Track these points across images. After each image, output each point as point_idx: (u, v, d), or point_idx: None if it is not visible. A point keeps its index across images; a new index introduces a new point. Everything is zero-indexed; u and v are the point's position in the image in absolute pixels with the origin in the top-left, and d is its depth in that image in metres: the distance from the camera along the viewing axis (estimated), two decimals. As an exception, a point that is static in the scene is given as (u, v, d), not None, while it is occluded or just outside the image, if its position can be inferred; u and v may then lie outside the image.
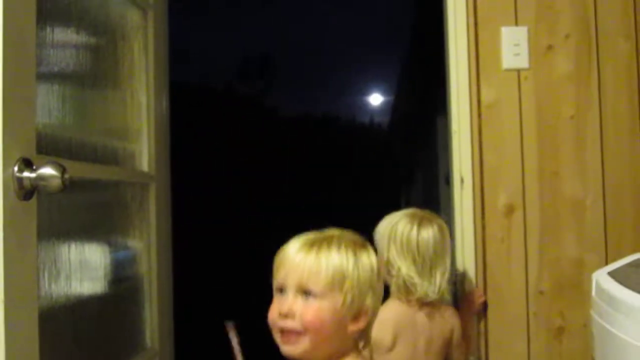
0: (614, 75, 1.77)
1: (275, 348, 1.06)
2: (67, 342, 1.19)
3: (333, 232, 1.09)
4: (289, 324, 1.00)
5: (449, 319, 1.59)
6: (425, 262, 1.52)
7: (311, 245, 1.04)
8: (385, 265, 1.54)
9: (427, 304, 1.53)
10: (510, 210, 1.76)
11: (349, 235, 1.08)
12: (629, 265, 1.14)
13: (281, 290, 1.04)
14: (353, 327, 1.02)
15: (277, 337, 1.03)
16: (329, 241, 1.05)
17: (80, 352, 1.23)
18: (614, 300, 0.99)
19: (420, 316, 1.53)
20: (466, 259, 1.75)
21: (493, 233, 1.76)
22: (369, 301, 1.03)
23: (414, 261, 1.52)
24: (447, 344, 1.59)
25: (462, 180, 1.76)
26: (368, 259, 1.05)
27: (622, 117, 1.76)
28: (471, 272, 1.75)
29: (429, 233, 1.53)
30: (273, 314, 1.03)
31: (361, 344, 1.07)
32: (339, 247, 1.04)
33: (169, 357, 1.68)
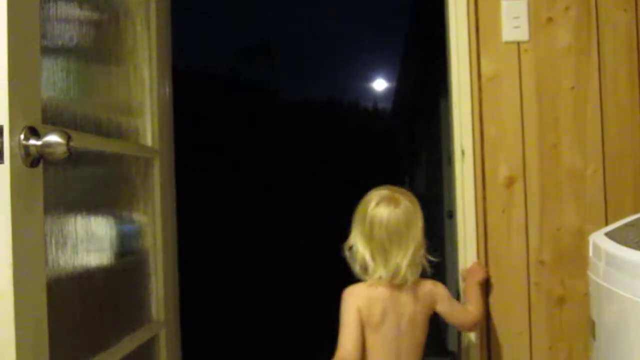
0: (613, 46, 1.77)
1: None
2: (74, 312, 1.20)
3: None
4: None
5: (429, 293, 1.52)
6: (380, 244, 1.45)
7: None
8: (348, 244, 1.49)
9: (398, 285, 1.46)
10: (510, 181, 1.77)
11: None
12: (626, 225, 1.16)
13: None
14: None
15: None
16: None
17: (86, 322, 1.25)
18: (610, 257, 1.00)
19: (401, 295, 1.47)
20: (467, 231, 1.76)
21: (494, 204, 1.77)
22: None
23: (369, 242, 1.46)
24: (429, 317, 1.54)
25: (463, 153, 1.77)
26: None
27: (622, 88, 1.76)
28: (472, 244, 1.76)
29: (384, 213, 1.46)
30: None
31: None
32: None
33: (174, 328, 1.71)
